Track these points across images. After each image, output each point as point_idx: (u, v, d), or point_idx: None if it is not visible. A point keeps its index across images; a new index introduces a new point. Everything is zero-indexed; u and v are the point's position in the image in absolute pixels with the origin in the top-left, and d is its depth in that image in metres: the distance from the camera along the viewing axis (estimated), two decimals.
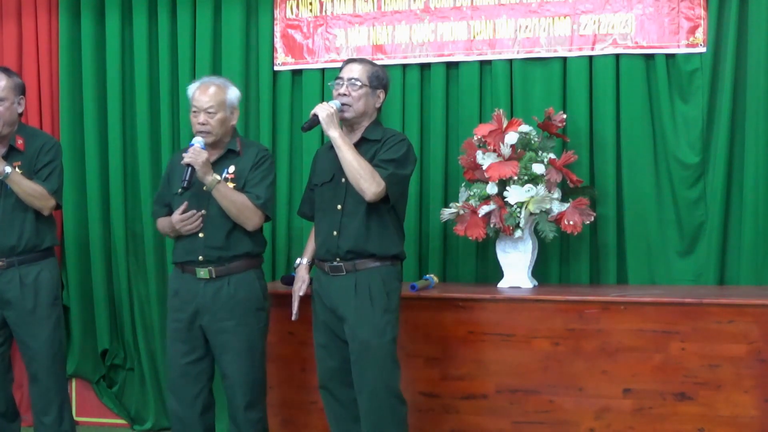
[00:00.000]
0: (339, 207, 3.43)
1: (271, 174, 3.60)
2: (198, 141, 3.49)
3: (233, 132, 3.64)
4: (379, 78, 3.49)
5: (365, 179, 3.29)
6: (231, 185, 3.51)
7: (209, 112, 3.51)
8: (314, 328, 3.57)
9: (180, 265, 3.61)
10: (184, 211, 3.51)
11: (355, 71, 3.46)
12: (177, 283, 3.62)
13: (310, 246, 3.66)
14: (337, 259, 3.43)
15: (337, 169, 3.43)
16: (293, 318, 3.63)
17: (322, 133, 4.50)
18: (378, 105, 3.52)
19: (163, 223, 3.69)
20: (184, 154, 3.47)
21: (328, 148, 3.56)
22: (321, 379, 3.56)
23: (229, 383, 3.57)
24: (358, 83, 3.43)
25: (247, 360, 3.54)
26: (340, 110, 3.42)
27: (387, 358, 3.37)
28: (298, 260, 3.71)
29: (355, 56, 3.68)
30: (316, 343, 3.55)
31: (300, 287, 3.63)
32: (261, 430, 3.62)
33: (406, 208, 3.59)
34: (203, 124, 3.51)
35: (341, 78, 3.47)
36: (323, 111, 3.37)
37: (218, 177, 3.46)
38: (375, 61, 3.70)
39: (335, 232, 3.43)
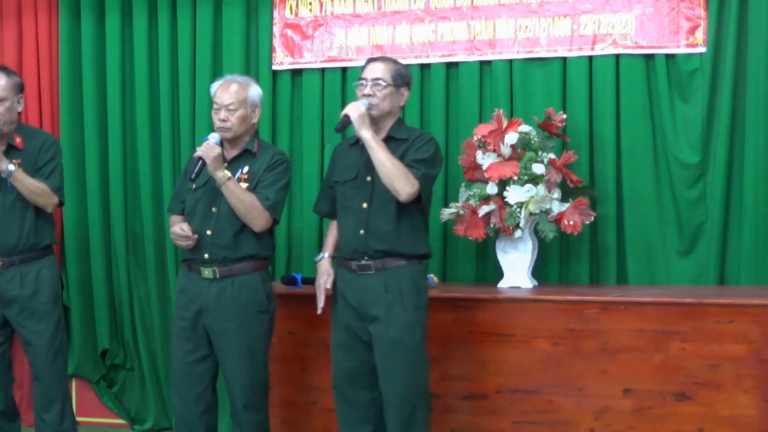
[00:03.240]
0: (365, 205, 3.39)
1: (284, 178, 3.57)
2: (214, 136, 3.49)
3: (254, 132, 3.63)
4: (403, 76, 3.44)
5: (399, 180, 3.26)
6: (244, 185, 3.50)
7: (230, 109, 3.51)
8: (333, 327, 3.51)
9: (187, 263, 3.61)
10: (189, 236, 3.51)
11: (378, 71, 3.41)
12: (183, 281, 3.62)
13: (331, 240, 3.59)
14: (366, 258, 3.38)
15: (362, 166, 3.40)
16: (318, 312, 3.54)
17: (323, 133, 4.55)
18: (402, 103, 3.47)
19: (172, 222, 3.68)
20: (197, 147, 3.47)
21: (349, 145, 3.53)
22: (335, 379, 3.53)
23: (230, 384, 3.57)
24: (383, 83, 3.38)
25: (248, 362, 3.54)
26: (369, 109, 3.37)
27: (417, 356, 3.34)
28: (320, 255, 3.62)
29: (376, 55, 3.59)
30: (334, 343, 3.51)
31: (326, 280, 3.53)
32: (262, 430, 3.62)
33: (430, 206, 3.57)
34: (223, 121, 3.51)
35: (365, 78, 3.42)
36: (355, 111, 3.32)
37: (228, 174, 3.45)
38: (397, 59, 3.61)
39: (362, 231, 3.38)
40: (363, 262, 3.39)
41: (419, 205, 3.38)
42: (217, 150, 3.43)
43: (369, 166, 3.36)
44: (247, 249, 3.53)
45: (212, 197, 3.53)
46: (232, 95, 3.52)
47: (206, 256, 3.52)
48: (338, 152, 3.62)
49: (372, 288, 3.36)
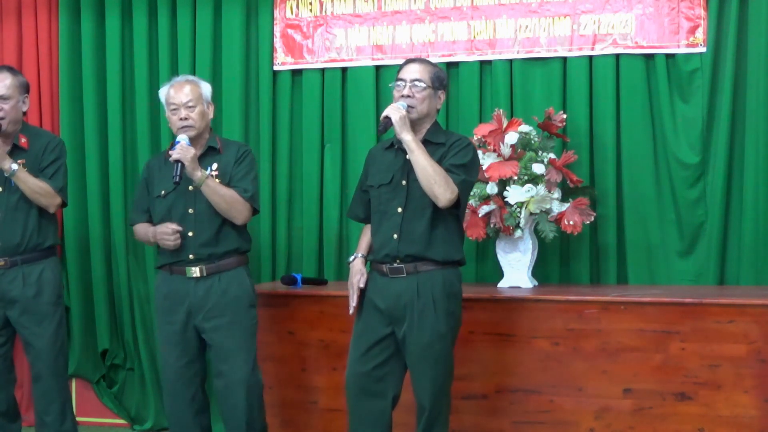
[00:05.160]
0: (399, 210, 3.32)
1: (254, 168, 3.62)
2: (183, 138, 3.49)
3: (210, 130, 3.66)
4: (440, 78, 3.37)
5: (440, 185, 3.17)
6: (216, 181, 3.52)
7: (189, 106, 3.54)
8: (354, 333, 3.44)
9: (168, 267, 3.60)
10: (175, 231, 3.51)
11: (416, 72, 3.32)
12: (166, 286, 3.61)
13: (365, 242, 3.51)
14: (397, 261, 3.32)
15: (397, 170, 3.34)
16: (351, 312, 3.43)
17: (323, 133, 4.54)
18: (438, 107, 3.39)
19: (143, 229, 3.67)
20: (170, 152, 3.46)
21: (384, 148, 3.47)
22: (346, 384, 3.43)
23: (224, 382, 3.57)
24: (422, 84, 3.30)
25: (242, 357, 3.55)
26: (407, 112, 3.28)
27: (446, 362, 3.31)
28: (352, 257, 3.52)
29: (414, 56, 3.51)
30: (352, 347, 3.43)
31: (359, 279, 3.40)
32: (259, 428, 3.62)
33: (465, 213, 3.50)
34: (185, 119, 3.52)
35: (403, 79, 3.33)
36: (396, 113, 3.23)
37: (207, 172, 3.48)
38: (436, 62, 3.52)
39: (395, 235, 3.31)
40: (395, 265, 3.32)
41: (456, 211, 3.30)
42: (193, 151, 3.45)
43: (404, 170, 3.30)
44: (229, 244, 3.56)
45: (186, 199, 3.55)
46: (188, 93, 3.55)
47: (191, 256, 3.54)
48: (372, 156, 3.54)
49: (403, 292, 3.29)
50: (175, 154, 3.42)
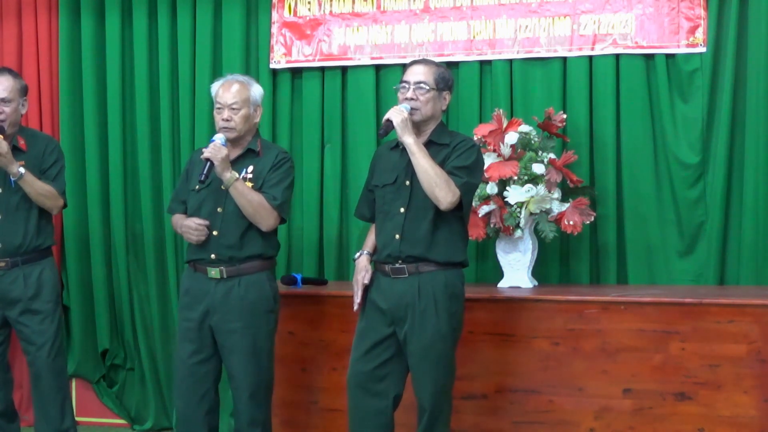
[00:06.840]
0: (402, 210, 3.32)
1: (289, 177, 3.58)
2: (219, 137, 3.47)
3: (255, 132, 3.63)
4: (445, 79, 3.35)
5: (441, 188, 3.18)
6: (249, 185, 3.49)
7: (233, 108, 3.50)
8: (356, 334, 3.43)
9: (192, 264, 3.59)
10: (199, 225, 3.49)
11: (420, 74, 3.31)
12: (188, 281, 3.61)
13: (370, 240, 3.51)
14: (399, 261, 3.32)
15: (401, 171, 3.34)
16: (355, 309, 3.45)
17: (323, 133, 4.55)
18: (444, 108, 3.39)
19: (176, 220, 3.67)
20: (204, 149, 3.46)
21: (389, 148, 3.47)
22: (348, 383, 3.42)
23: (235, 384, 3.57)
24: (426, 87, 3.29)
25: (254, 362, 3.53)
26: (410, 113, 3.28)
27: (448, 362, 3.31)
28: (357, 254, 3.52)
29: (420, 57, 3.46)
30: (354, 347, 3.42)
31: (364, 276, 3.40)
32: (265, 431, 3.62)
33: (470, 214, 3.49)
34: (227, 120, 3.50)
35: (407, 82, 3.33)
36: (397, 116, 3.23)
37: (236, 174, 3.45)
38: (439, 61, 3.54)
39: (397, 236, 3.31)
40: (397, 265, 3.32)
41: (459, 212, 3.29)
42: (225, 151, 3.42)
43: (408, 171, 3.30)
44: (253, 248, 3.53)
45: (217, 197, 3.53)
46: (235, 94, 3.51)
47: (213, 256, 3.52)
48: (378, 155, 3.55)
49: (405, 292, 3.29)
50: (206, 152, 3.41)
